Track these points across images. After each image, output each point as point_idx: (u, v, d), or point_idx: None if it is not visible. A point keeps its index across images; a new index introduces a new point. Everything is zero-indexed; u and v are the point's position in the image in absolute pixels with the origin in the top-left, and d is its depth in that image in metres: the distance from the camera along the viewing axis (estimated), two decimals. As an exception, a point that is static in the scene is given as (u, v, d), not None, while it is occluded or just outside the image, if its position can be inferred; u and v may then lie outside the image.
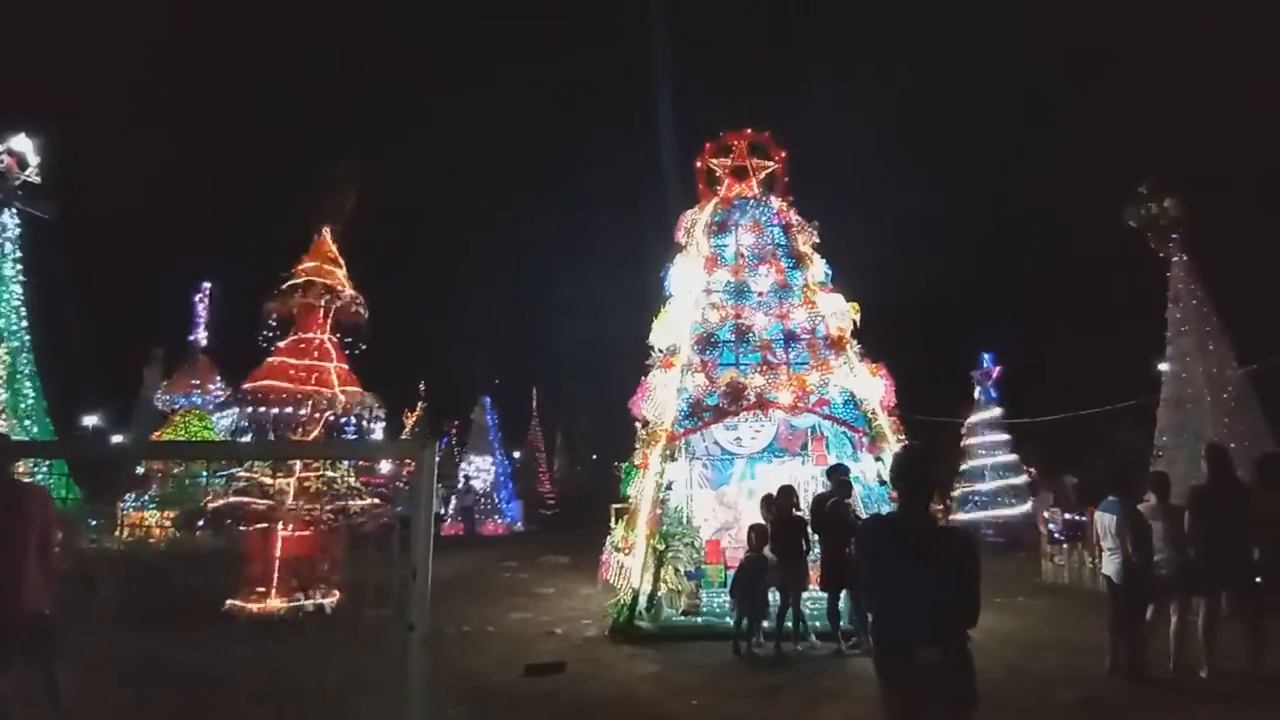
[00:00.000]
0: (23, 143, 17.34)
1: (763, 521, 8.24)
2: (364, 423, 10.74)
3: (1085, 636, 7.82)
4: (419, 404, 30.56)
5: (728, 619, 8.67)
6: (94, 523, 18.09)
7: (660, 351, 10.81)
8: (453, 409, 33.60)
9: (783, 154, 12.31)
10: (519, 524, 28.74)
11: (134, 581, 10.90)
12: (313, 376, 10.43)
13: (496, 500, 28.10)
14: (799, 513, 8.36)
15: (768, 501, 8.43)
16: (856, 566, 5.35)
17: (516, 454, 36.11)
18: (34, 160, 17.45)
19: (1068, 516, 14.24)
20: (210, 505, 10.00)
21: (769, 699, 6.42)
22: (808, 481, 9.84)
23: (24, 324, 17.61)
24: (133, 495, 21.66)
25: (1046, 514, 14.94)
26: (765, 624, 7.96)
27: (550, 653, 7.90)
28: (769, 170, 12.29)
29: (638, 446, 10.22)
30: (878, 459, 9.53)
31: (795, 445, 10.21)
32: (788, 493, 8.33)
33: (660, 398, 10.02)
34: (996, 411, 22.69)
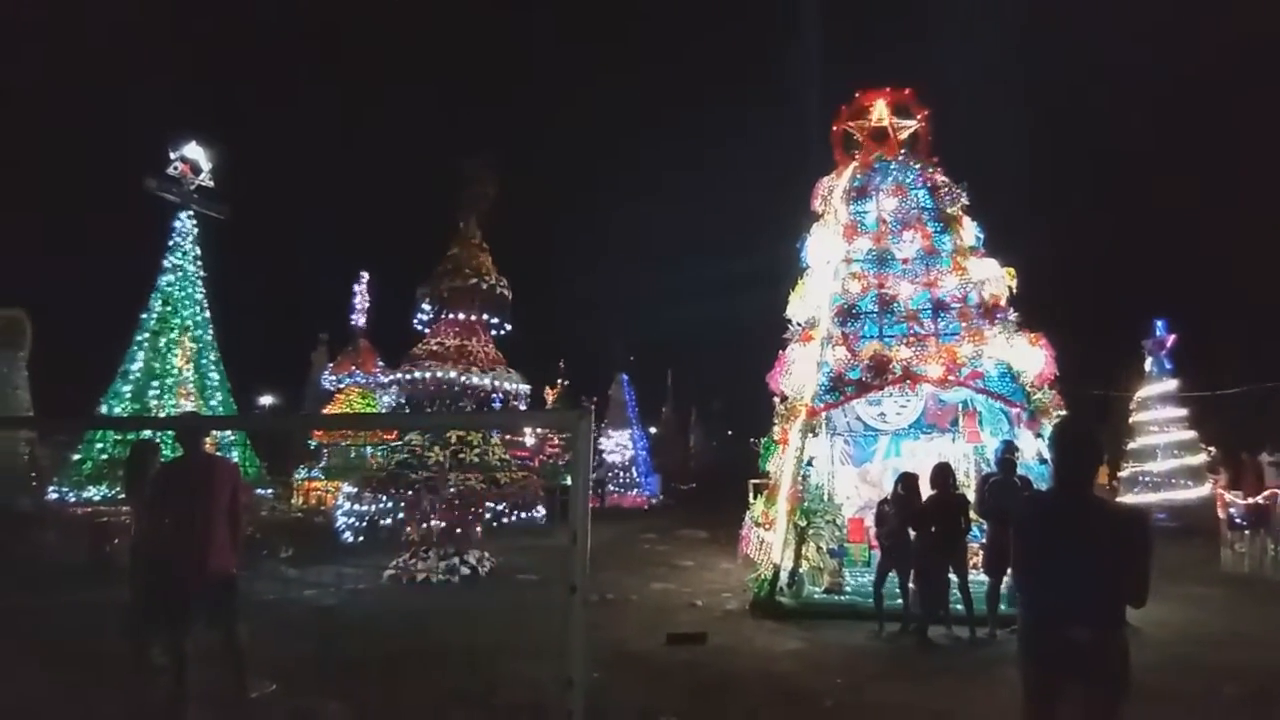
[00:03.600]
0: (195, 150, 19.17)
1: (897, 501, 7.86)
2: (509, 399, 11.24)
3: (1265, 631, 7.20)
4: (559, 381, 31.61)
5: (872, 599, 8.45)
6: (271, 492, 19.95)
7: (798, 325, 10.56)
8: (591, 386, 34.56)
9: (926, 112, 11.66)
10: (657, 497, 29.24)
11: (307, 546, 12.03)
12: (462, 356, 11.02)
13: (635, 474, 28.69)
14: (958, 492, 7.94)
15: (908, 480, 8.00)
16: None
17: (653, 429, 36.65)
18: (206, 166, 19.27)
19: (1251, 500, 12.80)
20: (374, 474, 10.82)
21: (917, 682, 6.21)
22: (959, 460, 9.39)
23: (205, 314, 19.54)
24: (305, 466, 23.76)
25: (1227, 497, 13.50)
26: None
27: (691, 624, 7.99)
28: (911, 130, 11.67)
29: (776, 422, 10.08)
30: (1038, 436, 8.92)
31: (945, 421, 9.76)
32: (943, 471, 7.89)
33: (799, 372, 9.82)
34: (1171, 384, 20.71)
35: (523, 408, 11.74)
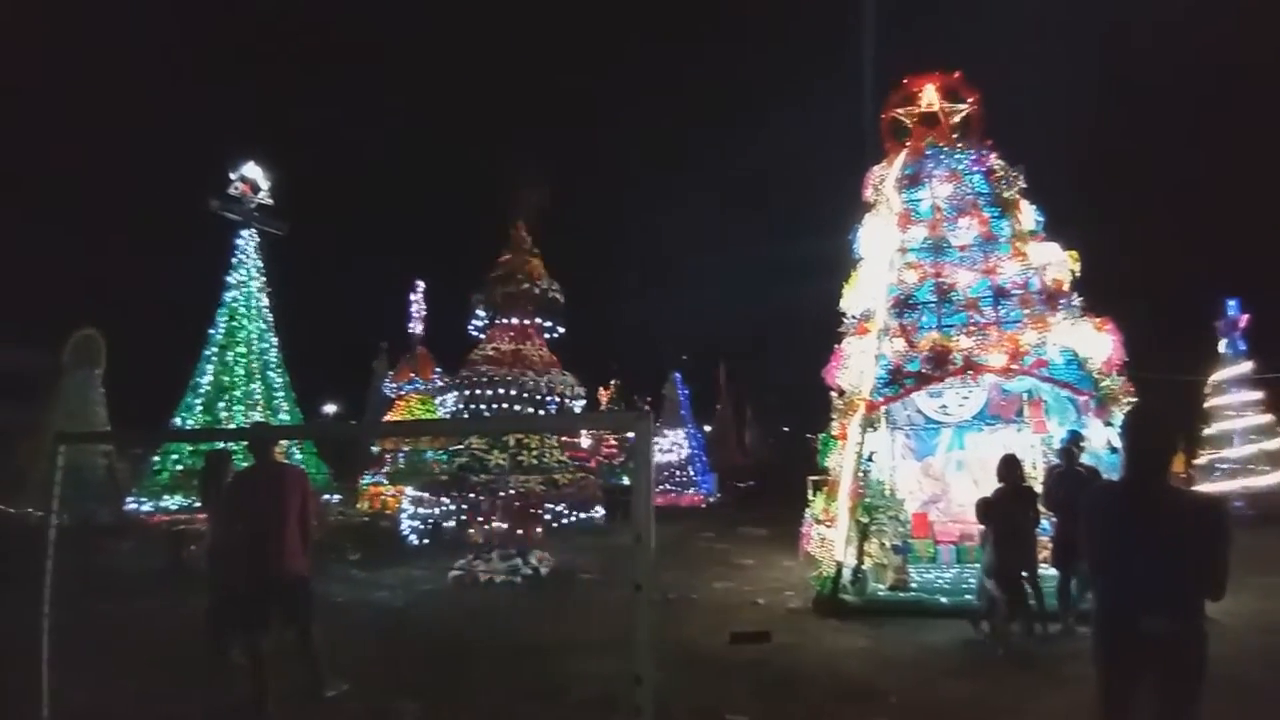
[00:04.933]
0: (253, 170, 19.82)
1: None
2: (564, 400, 11.33)
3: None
4: (612, 381, 31.75)
5: (939, 596, 8.27)
6: (338, 497, 20.50)
7: (853, 317, 10.40)
8: (645, 385, 34.60)
9: (977, 94, 11.35)
10: (714, 496, 29.13)
11: (373, 548, 12.31)
12: (517, 360, 11.16)
13: (691, 473, 28.63)
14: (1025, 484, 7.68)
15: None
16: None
17: (707, 427, 36.53)
18: (264, 184, 19.90)
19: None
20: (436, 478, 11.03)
21: (987, 680, 6.05)
22: (1026, 450, 9.11)
23: (270, 327, 20.18)
24: (370, 472, 24.35)
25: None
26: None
27: (754, 622, 7.93)
28: (963, 114, 11.39)
29: (834, 417, 9.94)
30: (1108, 424, 8.61)
31: (1009, 411, 9.47)
32: (1009, 463, 7.64)
33: (856, 366, 9.66)
34: (1246, 366, 19.75)
35: (578, 408, 11.83)
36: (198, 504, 13.96)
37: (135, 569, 10.20)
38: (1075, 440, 7.78)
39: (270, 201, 20.13)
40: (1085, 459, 7.87)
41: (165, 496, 17.11)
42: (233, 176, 19.60)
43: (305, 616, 5.31)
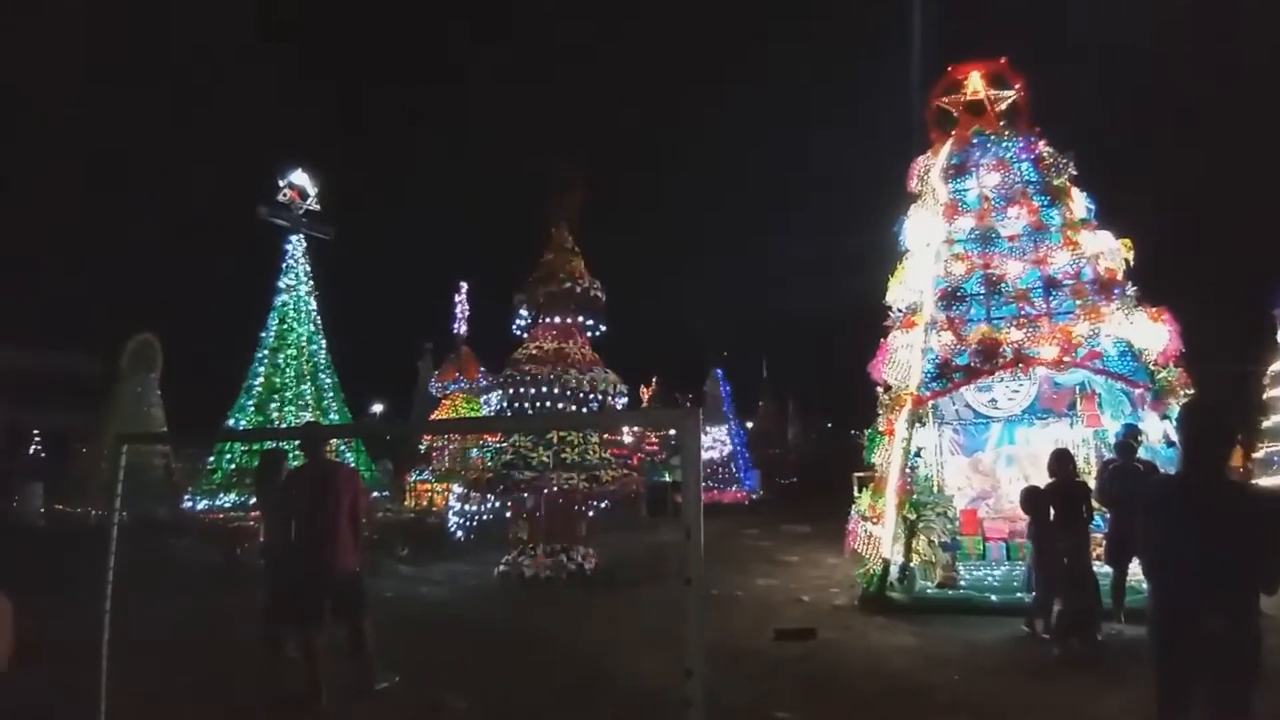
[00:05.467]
0: (301, 176, 20.27)
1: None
2: (607, 398, 11.37)
3: None
4: (654, 378, 31.77)
5: (989, 594, 8.10)
6: (386, 494, 20.87)
7: (899, 311, 10.25)
8: (686, 381, 34.53)
9: (1023, 81, 11.08)
10: (756, 492, 28.97)
11: (422, 545, 12.51)
12: (560, 358, 11.24)
13: (734, 469, 28.51)
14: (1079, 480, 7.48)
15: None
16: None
17: (749, 424, 36.34)
18: (312, 191, 20.34)
19: None
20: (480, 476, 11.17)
21: (1039, 679, 5.91)
22: (1078, 445, 8.88)
23: (319, 330, 20.61)
24: (417, 469, 24.73)
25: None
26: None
27: (799, 619, 7.88)
28: (1010, 101, 11.12)
29: (880, 412, 9.81)
30: (1164, 417, 8.34)
31: (1061, 405, 9.24)
32: (1061, 458, 7.43)
33: (903, 360, 9.52)
34: (1306, 355, 19.00)
35: (619, 406, 11.87)
36: (251, 502, 14.34)
37: (191, 566, 10.50)
38: (1131, 434, 7.55)
39: (317, 207, 20.57)
40: (1141, 454, 7.64)
41: (220, 495, 17.60)
42: (281, 183, 20.08)
43: (357, 612, 5.42)
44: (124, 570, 4.27)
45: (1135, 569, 6.79)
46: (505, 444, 11.59)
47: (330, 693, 5.16)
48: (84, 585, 4.45)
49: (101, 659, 3.95)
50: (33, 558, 9.60)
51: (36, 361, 29.27)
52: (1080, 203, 9.96)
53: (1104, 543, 7.42)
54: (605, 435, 13.17)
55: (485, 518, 11.50)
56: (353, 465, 11.88)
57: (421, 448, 25.19)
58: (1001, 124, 10.90)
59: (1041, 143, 10.38)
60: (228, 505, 17.20)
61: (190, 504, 17.24)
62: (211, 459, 18.52)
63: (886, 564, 8.43)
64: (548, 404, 10.74)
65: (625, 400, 12.08)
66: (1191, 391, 8.43)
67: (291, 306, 20.01)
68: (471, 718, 5.13)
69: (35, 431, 33.37)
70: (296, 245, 20.41)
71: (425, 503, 22.68)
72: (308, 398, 19.45)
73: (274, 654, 5.49)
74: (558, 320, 11.77)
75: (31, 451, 32.03)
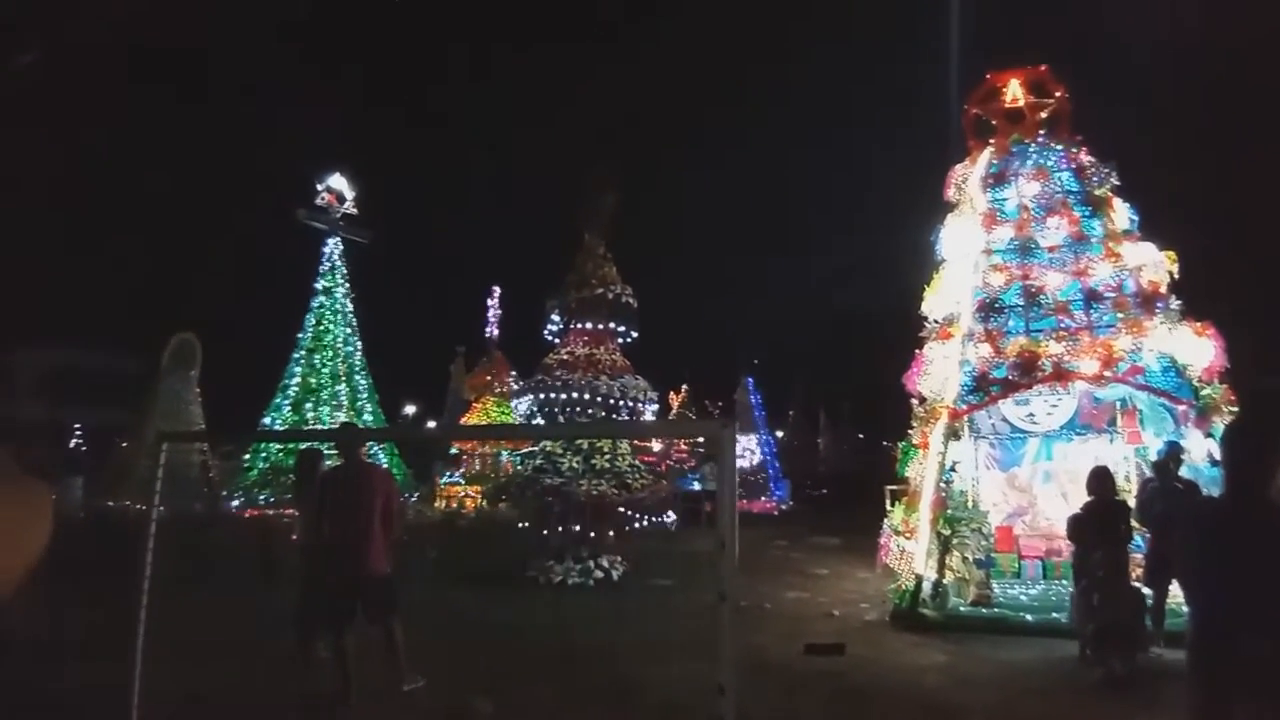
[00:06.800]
0: (339, 181, 20.62)
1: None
2: (637, 405, 11.37)
3: None
4: (684, 386, 31.69)
5: (1024, 614, 7.93)
6: (416, 496, 21.07)
7: (935, 322, 10.10)
8: (716, 390, 34.39)
9: (1064, 88, 10.88)
10: (786, 503, 28.72)
11: (451, 546, 12.57)
12: (591, 364, 11.26)
13: (764, 479, 28.30)
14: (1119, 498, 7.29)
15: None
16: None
17: (779, 433, 36.10)
18: (349, 195, 20.67)
19: None
20: (510, 481, 11.21)
21: (1074, 701, 5.77)
22: (1118, 462, 8.66)
23: (355, 331, 20.93)
24: (448, 472, 24.96)
25: None
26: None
27: (829, 634, 7.77)
28: (1050, 108, 10.93)
29: (915, 425, 9.67)
30: (1208, 435, 8.10)
31: (1101, 421, 9.03)
32: (1101, 476, 7.24)
33: (939, 372, 9.37)
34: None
35: (649, 413, 11.85)
36: (286, 499, 14.56)
37: (226, 562, 10.66)
38: (1173, 452, 7.36)
39: (355, 211, 20.91)
40: (1183, 472, 7.43)
41: (255, 492, 17.92)
42: (319, 187, 20.44)
43: (389, 612, 5.47)
44: (160, 566, 4.35)
45: (1176, 591, 6.59)
46: (535, 448, 11.64)
47: (359, 693, 5.21)
48: (121, 579, 4.54)
49: (136, 653, 4.02)
50: (72, 551, 9.80)
51: (77, 359, 30.10)
52: (1123, 213, 9.75)
53: (1143, 563, 7.24)
54: (635, 442, 13.17)
55: (516, 522, 11.55)
56: (386, 467, 11.99)
57: (453, 451, 25.43)
58: (1042, 132, 10.70)
59: (1083, 151, 10.19)
60: (262, 502, 17.51)
61: (226, 501, 17.55)
62: (247, 457, 18.88)
63: (919, 580, 8.29)
64: (578, 410, 10.77)
65: (655, 407, 12.07)
66: (1236, 409, 8.20)
67: (328, 308, 20.36)
68: (499, 722, 5.13)
69: (76, 426, 34.30)
70: (334, 248, 20.77)
71: (455, 505, 22.87)
72: (342, 398, 19.77)
73: (306, 652, 5.55)
74: (589, 326, 11.81)
75: (72, 446, 32.92)
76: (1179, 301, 8.95)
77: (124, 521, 13.76)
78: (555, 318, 11.96)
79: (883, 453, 27.01)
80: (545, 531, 11.24)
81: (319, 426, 18.18)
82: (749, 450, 28.78)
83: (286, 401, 19.42)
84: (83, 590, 7.58)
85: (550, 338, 12.13)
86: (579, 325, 11.85)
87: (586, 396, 10.80)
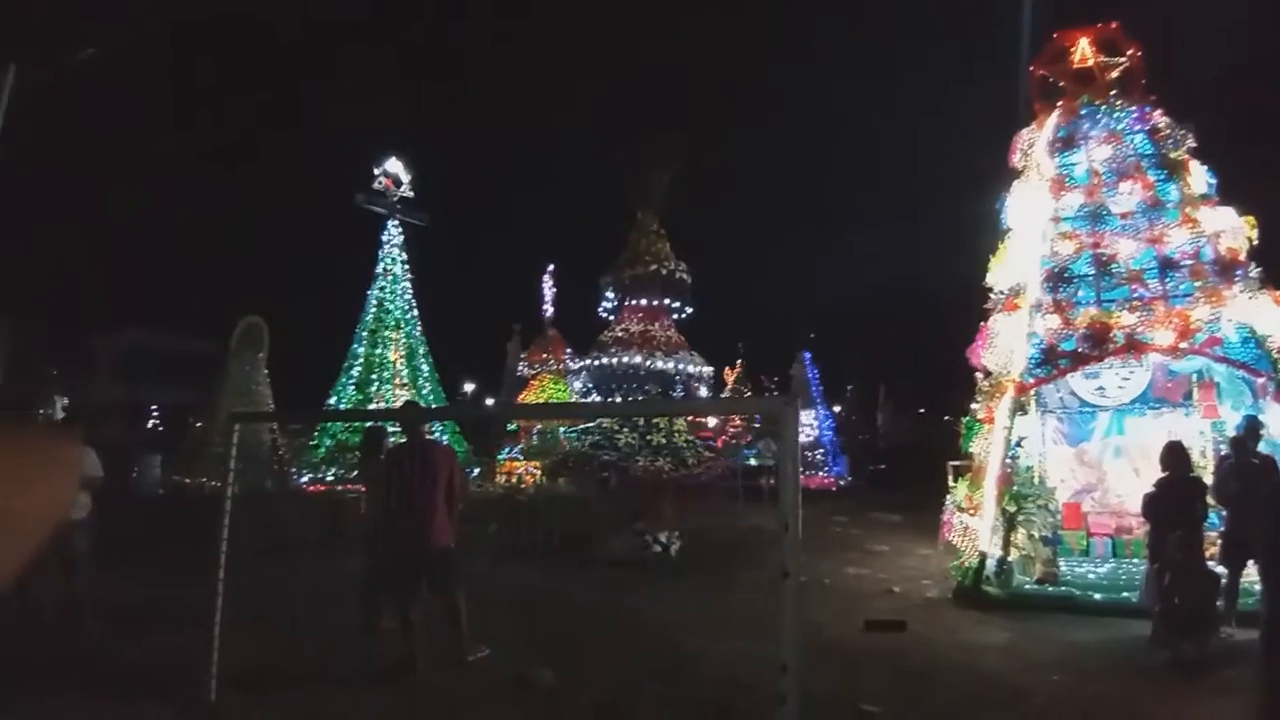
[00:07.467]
0: (395, 165, 20.88)
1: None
2: (691, 381, 11.37)
3: None
4: (738, 361, 31.48)
5: (1092, 592, 7.72)
6: (476, 471, 21.49)
7: (1001, 293, 9.82)
8: (772, 364, 34.05)
9: (1137, 46, 10.33)
10: (845, 478, 28.44)
11: (511, 521, 12.82)
12: (645, 341, 11.29)
13: (821, 454, 28.05)
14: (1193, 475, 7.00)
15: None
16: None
17: (837, 408, 35.65)
18: (406, 178, 20.93)
19: None
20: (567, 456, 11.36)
21: (1142, 683, 5.60)
22: (1193, 437, 8.32)
23: (414, 312, 21.30)
24: (507, 448, 25.39)
25: None
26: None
27: (889, 611, 7.71)
28: (1122, 68, 10.40)
29: (979, 399, 9.46)
30: (1291, 410, 7.73)
31: (1176, 394, 8.68)
32: (1175, 451, 6.95)
33: (1005, 344, 9.12)
34: None
35: (704, 390, 11.84)
36: (352, 475, 15.00)
37: (296, 536, 11.05)
38: (1252, 427, 7.04)
39: (411, 194, 21.21)
40: (1261, 448, 7.10)
41: (323, 469, 18.53)
42: (376, 172, 20.79)
43: (452, 584, 5.62)
44: (236, 539, 4.53)
45: (1251, 571, 6.33)
46: (592, 425, 11.75)
47: (425, 662, 5.38)
48: (200, 552, 4.76)
49: (214, 625, 4.23)
50: (153, 526, 10.30)
51: (154, 342, 31.46)
52: (1200, 177, 9.28)
53: (1220, 542, 6.97)
54: (691, 419, 13.19)
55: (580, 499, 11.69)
56: (449, 444, 12.24)
57: (511, 427, 25.83)
58: (1113, 93, 10.21)
59: (1157, 113, 9.70)
60: (329, 479, 18.11)
61: (295, 477, 18.18)
62: (314, 436, 19.52)
63: (983, 557, 8.14)
64: (634, 386, 10.82)
65: (710, 382, 12.05)
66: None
67: (388, 290, 20.78)
68: (560, 691, 5.24)
69: (153, 406, 35.92)
70: (392, 231, 21.14)
71: (514, 480, 23.26)
72: (404, 377, 20.21)
73: (371, 624, 5.75)
74: (643, 303, 11.83)
75: (150, 426, 34.49)
76: (1259, 269, 8.58)
77: (200, 498, 14.39)
78: (610, 295, 12.01)
79: (943, 428, 26.49)
80: (603, 507, 11.38)
81: (383, 405, 18.65)
82: (805, 425, 28.53)
83: (351, 381, 19.97)
84: (164, 562, 8.00)
85: (605, 314, 12.19)
86: (633, 302, 11.88)
87: (643, 374, 10.86)
